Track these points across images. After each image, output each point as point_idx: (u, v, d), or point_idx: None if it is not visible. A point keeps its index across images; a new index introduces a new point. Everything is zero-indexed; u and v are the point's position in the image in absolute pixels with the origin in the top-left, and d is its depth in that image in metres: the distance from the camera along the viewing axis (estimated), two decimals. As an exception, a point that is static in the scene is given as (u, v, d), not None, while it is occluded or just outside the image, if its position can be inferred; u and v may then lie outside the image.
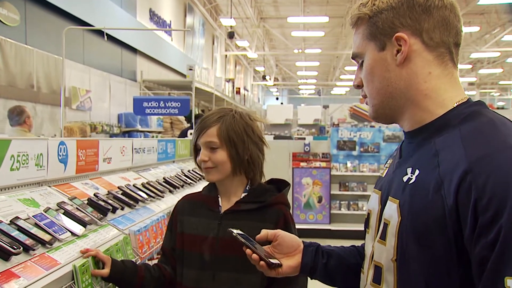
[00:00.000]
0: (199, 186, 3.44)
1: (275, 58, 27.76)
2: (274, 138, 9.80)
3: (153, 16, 12.57)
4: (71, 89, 7.86)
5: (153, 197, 2.58)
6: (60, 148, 2.03)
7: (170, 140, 3.76)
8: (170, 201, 2.73)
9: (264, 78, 26.66)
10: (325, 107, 19.29)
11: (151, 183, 2.77)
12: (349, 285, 1.29)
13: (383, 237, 1.03)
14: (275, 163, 7.00)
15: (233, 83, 14.27)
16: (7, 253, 1.36)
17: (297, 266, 1.26)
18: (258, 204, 1.60)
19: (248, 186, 1.66)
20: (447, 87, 1.02)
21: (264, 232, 1.27)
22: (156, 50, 12.23)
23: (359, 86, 1.12)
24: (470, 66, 25.46)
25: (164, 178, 3.05)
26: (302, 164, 7.42)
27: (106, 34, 6.22)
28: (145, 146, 3.10)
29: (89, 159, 2.31)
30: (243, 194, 1.64)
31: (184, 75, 10.36)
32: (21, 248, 1.42)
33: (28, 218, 1.60)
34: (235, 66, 25.75)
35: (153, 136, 9.57)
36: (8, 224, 1.50)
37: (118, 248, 1.80)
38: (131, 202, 2.31)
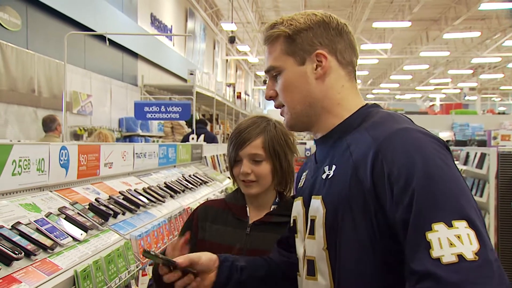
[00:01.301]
0: (200, 191, 3.44)
1: (276, 63, 27.78)
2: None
3: (154, 21, 12.61)
4: (72, 94, 7.87)
5: (154, 202, 2.57)
6: (62, 153, 2.03)
7: (171, 145, 3.76)
8: (171, 206, 2.73)
9: (265, 82, 26.66)
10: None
11: (152, 188, 2.76)
12: None
13: (312, 232, 1.12)
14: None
15: (234, 87, 14.28)
16: (9, 258, 1.36)
17: (210, 285, 1.31)
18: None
19: (277, 198, 1.63)
20: (353, 97, 1.18)
21: (186, 257, 1.27)
22: (157, 55, 12.27)
23: (272, 97, 1.22)
24: (471, 72, 25.47)
25: (165, 183, 3.04)
26: (303, 169, 7.39)
27: (108, 39, 6.24)
28: (146, 151, 3.10)
29: (91, 164, 2.31)
30: (273, 206, 1.61)
31: (185, 80, 10.37)
32: (23, 253, 1.41)
33: (30, 223, 1.60)
34: (236, 71, 25.79)
35: (154, 141, 9.58)
36: (10, 229, 1.50)
37: (119, 253, 1.80)
38: (132, 207, 2.31)
